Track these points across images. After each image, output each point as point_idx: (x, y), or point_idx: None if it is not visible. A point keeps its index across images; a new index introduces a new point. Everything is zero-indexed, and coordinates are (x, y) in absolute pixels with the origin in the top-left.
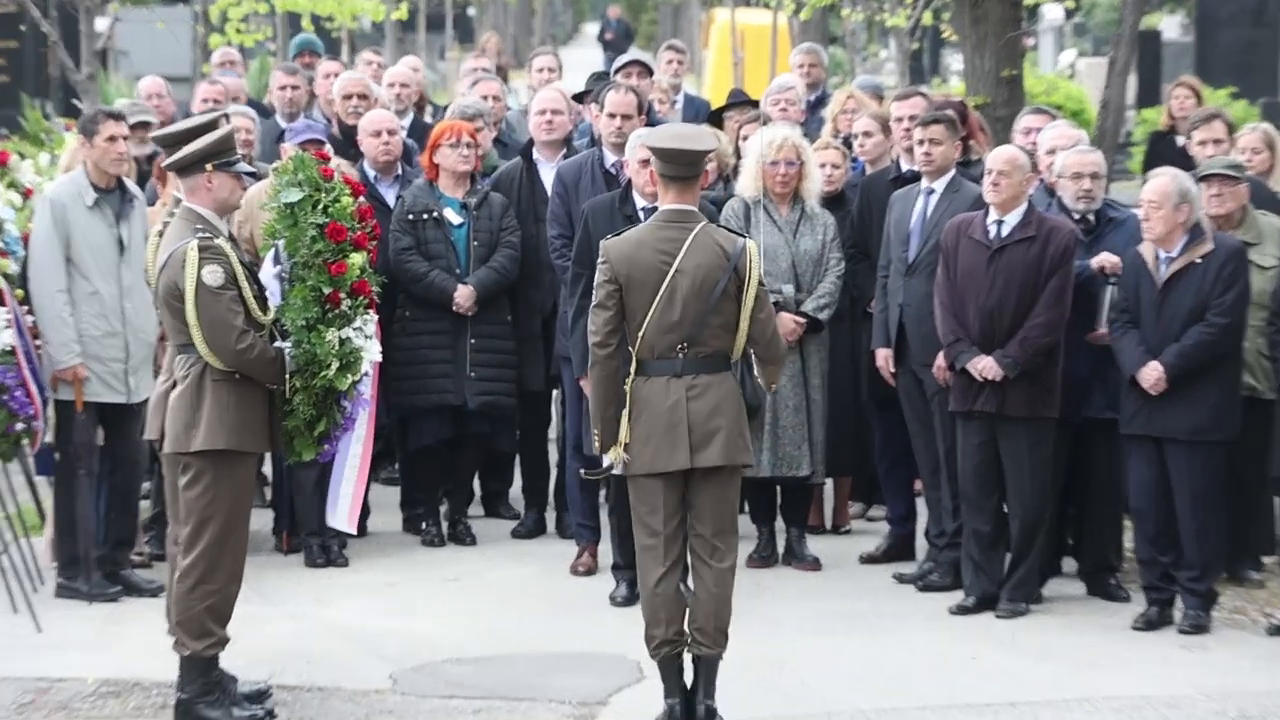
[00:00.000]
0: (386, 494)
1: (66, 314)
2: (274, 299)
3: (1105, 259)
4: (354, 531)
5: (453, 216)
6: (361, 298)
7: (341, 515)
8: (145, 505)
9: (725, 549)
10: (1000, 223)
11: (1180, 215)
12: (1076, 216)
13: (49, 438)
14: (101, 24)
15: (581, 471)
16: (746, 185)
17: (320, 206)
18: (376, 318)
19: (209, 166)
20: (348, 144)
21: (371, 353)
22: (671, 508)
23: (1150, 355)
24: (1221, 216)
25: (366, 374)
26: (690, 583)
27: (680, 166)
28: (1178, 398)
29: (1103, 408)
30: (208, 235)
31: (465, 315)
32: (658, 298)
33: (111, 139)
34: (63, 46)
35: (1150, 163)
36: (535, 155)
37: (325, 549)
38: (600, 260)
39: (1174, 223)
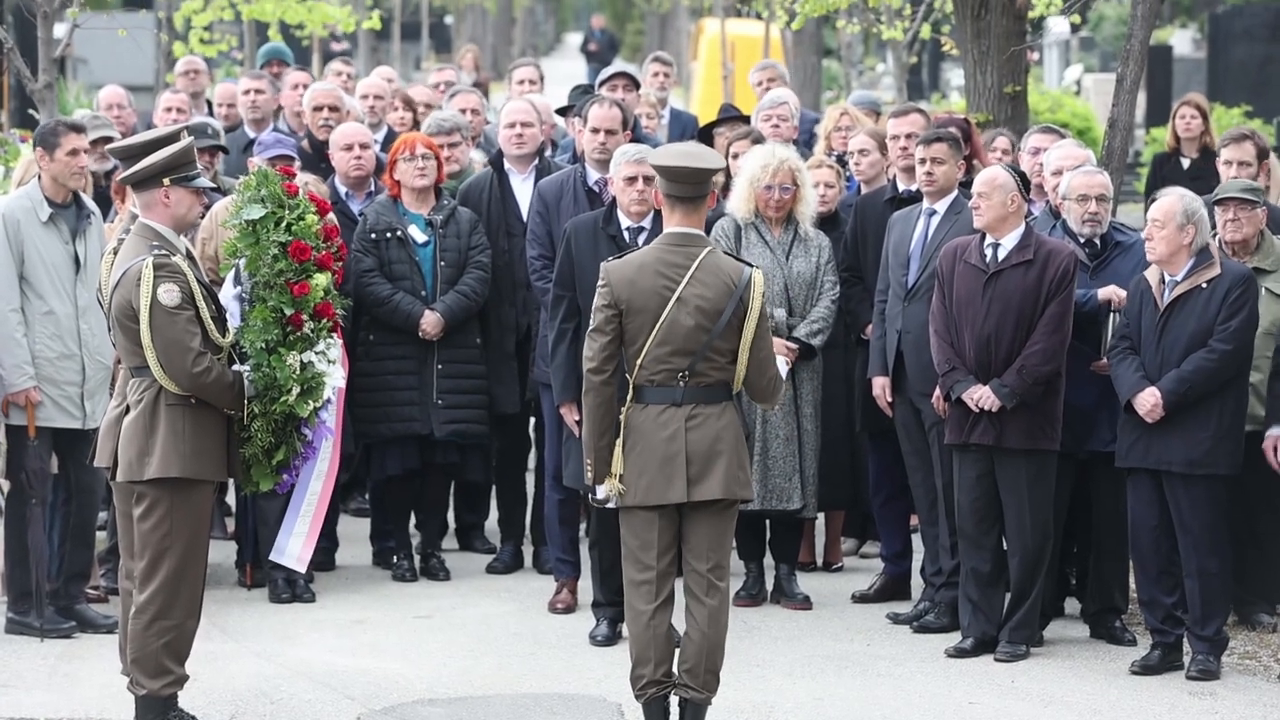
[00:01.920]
0: (356, 526)
1: (19, 334)
2: (234, 321)
3: (1112, 292)
4: (303, 570)
5: (417, 234)
6: (325, 320)
7: (293, 552)
8: (102, 536)
9: (720, 586)
10: (997, 246)
11: (1185, 237)
12: (1082, 240)
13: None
14: (60, 30)
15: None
16: (738, 206)
17: (283, 224)
18: (341, 342)
19: (166, 181)
20: (318, 158)
21: (335, 378)
22: (665, 543)
23: (1148, 381)
24: (1238, 242)
25: (329, 401)
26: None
27: (687, 186)
28: (1174, 428)
29: (1108, 440)
30: (164, 253)
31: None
32: (659, 324)
33: (73, 152)
34: (18, 53)
35: (1153, 186)
36: (506, 166)
37: (291, 583)
38: (600, 284)
39: (1178, 244)
